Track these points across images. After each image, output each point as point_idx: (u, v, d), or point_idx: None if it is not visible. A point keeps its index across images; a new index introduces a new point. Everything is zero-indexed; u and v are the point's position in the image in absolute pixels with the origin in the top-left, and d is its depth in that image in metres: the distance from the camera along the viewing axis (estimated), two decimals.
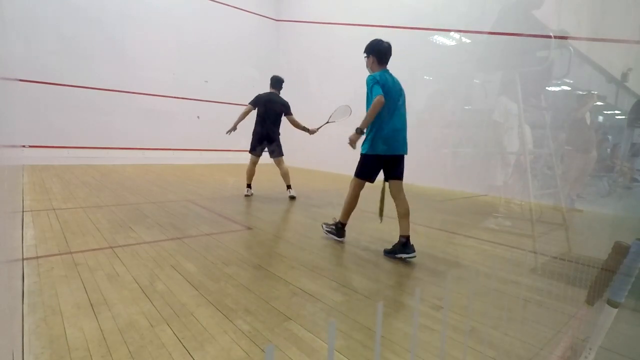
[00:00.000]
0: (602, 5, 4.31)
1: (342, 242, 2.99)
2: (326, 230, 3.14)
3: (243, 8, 10.44)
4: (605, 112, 5.15)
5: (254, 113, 4.95)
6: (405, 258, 2.56)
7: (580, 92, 4.37)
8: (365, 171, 2.79)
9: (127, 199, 4.33)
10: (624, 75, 3.75)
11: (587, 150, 4.31)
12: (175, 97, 9.41)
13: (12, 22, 6.77)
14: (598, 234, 3.60)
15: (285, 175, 4.99)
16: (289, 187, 5.00)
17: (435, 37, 7.18)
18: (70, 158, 7.73)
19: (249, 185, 5.11)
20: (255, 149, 4.88)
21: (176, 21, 9.19)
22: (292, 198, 4.91)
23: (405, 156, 2.79)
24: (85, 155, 7.99)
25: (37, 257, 2.28)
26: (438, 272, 2.40)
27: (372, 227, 3.59)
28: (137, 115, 8.67)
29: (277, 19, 11.28)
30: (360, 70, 9.02)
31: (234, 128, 4.79)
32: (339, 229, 3.03)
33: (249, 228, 3.31)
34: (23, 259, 2.24)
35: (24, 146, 7.10)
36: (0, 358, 0.85)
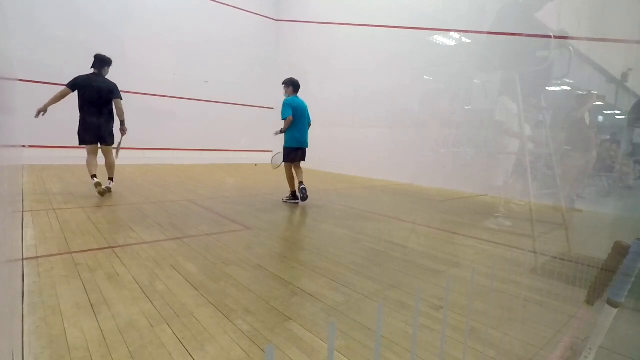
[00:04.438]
0: (602, 5, 4.31)
1: (298, 203, 4.60)
2: (286, 200, 4.68)
3: (243, 8, 10.45)
4: (605, 112, 5.15)
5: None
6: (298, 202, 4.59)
7: (580, 92, 4.37)
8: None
9: (127, 199, 4.33)
10: (624, 75, 3.75)
11: (586, 150, 4.31)
12: (175, 97, 9.42)
13: (13, 22, 6.77)
14: (598, 234, 3.60)
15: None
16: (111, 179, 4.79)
17: (435, 37, 7.19)
18: (70, 158, 7.72)
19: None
20: None
21: (176, 21, 9.20)
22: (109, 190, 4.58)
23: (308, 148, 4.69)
24: (85, 155, 7.97)
25: (37, 257, 2.28)
26: (438, 272, 2.40)
27: (372, 226, 3.59)
28: (137, 115, 8.64)
29: (277, 19, 11.29)
30: (360, 70, 8.99)
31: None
32: (294, 196, 4.68)
33: (249, 228, 3.31)
34: (23, 259, 2.24)
35: (24, 146, 7.09)
36: (0, 358, 0.85)
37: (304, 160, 4.72)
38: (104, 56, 4.53)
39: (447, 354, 1.46)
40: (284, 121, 4.48)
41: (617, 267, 1.07)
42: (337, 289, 2.02)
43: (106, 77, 4.55)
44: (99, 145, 4.56)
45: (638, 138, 4.28)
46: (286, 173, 4.69)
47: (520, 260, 2.84)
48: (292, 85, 4.64)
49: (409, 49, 7.43)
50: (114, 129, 4.60)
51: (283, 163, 4.73)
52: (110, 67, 4.67)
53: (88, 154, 4.50)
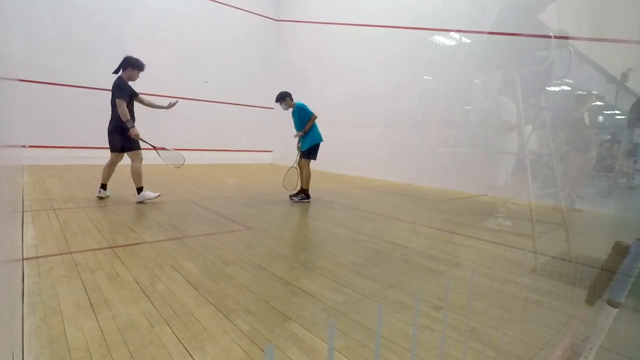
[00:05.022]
0: (602, 5, 4.31)
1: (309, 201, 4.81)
2: (298, 200, 4.75)
3: (243, 8, 10.45)
4: (605, 112, 5.16)
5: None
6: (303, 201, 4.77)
7: (580, 92, 4.37)
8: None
9: (127, 199, 4.33)
10: (624, 75, 3.75)
11: (586, 150, 4.31)
12: (175, 97, 9.39)
13: (13, 21, 6.77)
14: (598, 234, 3.60)
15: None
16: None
17: (435, 37, 7.19)
18: (70, 158, 7.73)
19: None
20: None
21: (176, 21, 9.20)
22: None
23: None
24: (85, 155, 7.99)
25: (37, 257, 2.28)
26: (438, 272, 2.40)
27: (372, 226, 3.59)
28: (137, 115, 8.67)
29: (277, 19, 11.29)
30: (360, 70, 8.99)
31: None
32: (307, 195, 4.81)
33: (249, 228, 3.31)
34: (23, 259, 2.24)
35: (24, 146, 7.10)
36: (0, 358, 0.85)
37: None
38: (126, 57, 4.38)
39: (447, 354, 1.46)
40: (306, 123, 4.76)
41: (617, 267, 1.07)
42: (337, 289, 2.02)
43: (132, 80, 4.39)
44: (120, 153, 4.36)
45: (638, 138, 4.28)
46: (306, 171, 4.79)
47: (520, 260, 2.84)
48: (288, 96, 4.85)
49: (409, 49, 7.43)
50: (123, 132, 4.23)
51: (296, 165, 4.94)
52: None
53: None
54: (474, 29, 6.03)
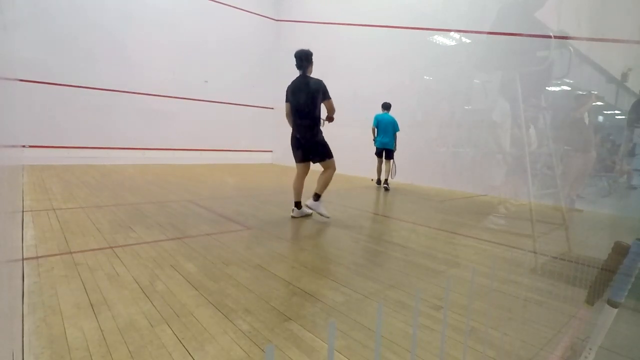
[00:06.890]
0: (602, 5, 4.31)
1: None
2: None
3: (243, 8, 10.45)
4: (605, 112, 5.16)
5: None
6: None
7: (580, 92, 4.37)
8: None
9: (127, 199, 4.33)
10: (624, 75, 3.76)
11: (586, 150, 4.31)
12: (175, 97, 9.42)
13: (13, 22, 6.77)
14: (598, 234, 3.60)
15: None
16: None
17: (435, 37, 7.19)
18: (70, 158, 7.73)
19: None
20: None
21: (176, 21, 9.20)
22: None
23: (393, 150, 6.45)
24: (85, 155, 7.99)
25: (37, 257, 2.28)
26: (438, 272, 2.40)
27: (372, 226, 3.59)
28: (137, 115, 8.68)
29: (277, 19, 11.29)
30: (360, 70, 8.98)
31: None
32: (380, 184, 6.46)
33: (249, 228, 3.31)
34: (23, 259, 2.24)
35: (24, 146, 7.10)
36: (0, 358, 0.85)
37: (388, 157, 6.43)
38: (302, 52, 3.66)
39: (447, 354, 1.46)
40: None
41: (617, 267, 1.07)
42: (337, 289, 2.02)
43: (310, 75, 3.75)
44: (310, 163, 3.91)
45: (638, 138, 4.28)
46: (377, 166, 6.66)
47: (520, 260, 2.84)
48: (382, 106, 6.49)
49: (409, 49, 7.43)
50: (322, 138, 3.85)
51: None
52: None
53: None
54: (474, 29, 6.03)
